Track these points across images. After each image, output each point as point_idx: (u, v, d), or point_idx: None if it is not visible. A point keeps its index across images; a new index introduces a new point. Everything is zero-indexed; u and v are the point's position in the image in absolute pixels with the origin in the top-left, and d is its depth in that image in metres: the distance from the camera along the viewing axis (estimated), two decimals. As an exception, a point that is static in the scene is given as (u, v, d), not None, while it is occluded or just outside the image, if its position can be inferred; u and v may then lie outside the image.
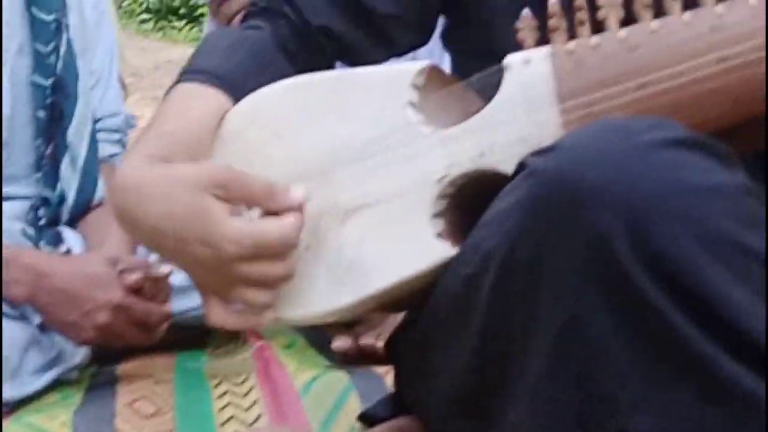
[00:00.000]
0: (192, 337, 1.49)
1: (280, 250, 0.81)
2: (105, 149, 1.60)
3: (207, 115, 0.88)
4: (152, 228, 0.81)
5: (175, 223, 0.80)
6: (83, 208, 1.52)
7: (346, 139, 0.85)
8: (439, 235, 0.81)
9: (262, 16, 0.99)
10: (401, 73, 0.84)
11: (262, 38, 0.97)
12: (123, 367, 1.47)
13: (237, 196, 0.81)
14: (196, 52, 0.96)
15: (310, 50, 0.99)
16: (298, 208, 0.81)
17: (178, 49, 6.20)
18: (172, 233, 0.80)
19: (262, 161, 0.87)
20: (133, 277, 1.32)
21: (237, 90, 0.90)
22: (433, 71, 0.85)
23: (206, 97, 0.90)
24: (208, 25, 2.15)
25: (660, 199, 0.66)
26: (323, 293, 0.84)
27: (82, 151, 1.52)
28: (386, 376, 1.36)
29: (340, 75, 0.88)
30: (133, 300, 1.31)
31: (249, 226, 0.80)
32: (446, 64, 1.11)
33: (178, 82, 0.92)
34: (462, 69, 1.07)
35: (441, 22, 1.09)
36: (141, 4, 8.27)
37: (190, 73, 0.92)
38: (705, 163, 0.67)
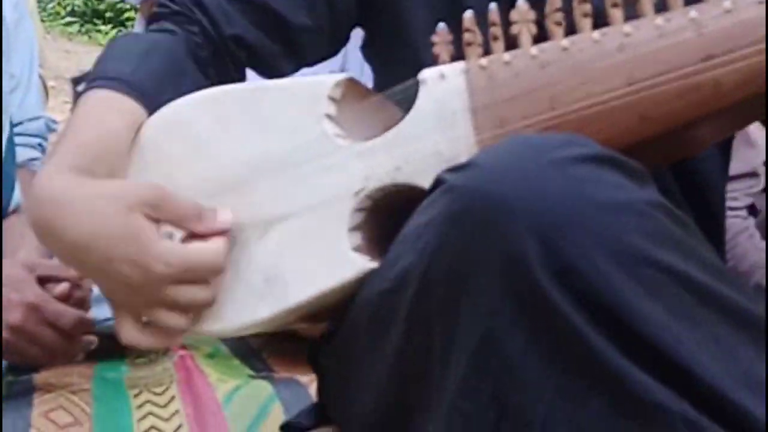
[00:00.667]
0: (111, 346, 1.46)
1: (207, 275, 0.81)
2: (23, 154, 1.57)
3: (124, 128, 0.87)
4: (74, 243, 0.80)
5: (102, 241, 0.79)
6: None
7: (264, 152, 0.85)
8: (357, 248, 0.82)
9: (174, 20, 0.99)
10: (318, 85, 0.85)
11: (175, 45, 0.96)
12: (40, 377, 1.44)
13: (167, 216, 0.81)
14: (107, 55, 0.94)
15: (222, 58, 0.98)
16: (225, 232, 0.82)
17: (103, 52, 6.12)
18: (98, 251, 0.79)
19: (179, 173, 0.86)
20: (62, 287, 1.29)
21: (152, 100, 0.89)
22: (351, 84, 0.86)
23: (122, 108, 0.88)
24: (137, 26, 2.13)
25: (572, 215, 0.67)
26: (242, 306, 0.83)
27: (-1, 157, 1.49)
28: (310, 385, 1.36)
29: (257, 86, 0.88)
30: (47, 298, 1.29)
31: (180, 248, 0.80)
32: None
33: (90, 86, 0.90)
34: (383, 80, 1.08)
35: (361, 34, 1.10)
36: (66, 6, 8.15)
37: (103, 78, 0.90)
38: (617, 179, 0.68)
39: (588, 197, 0.67)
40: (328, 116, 0.84)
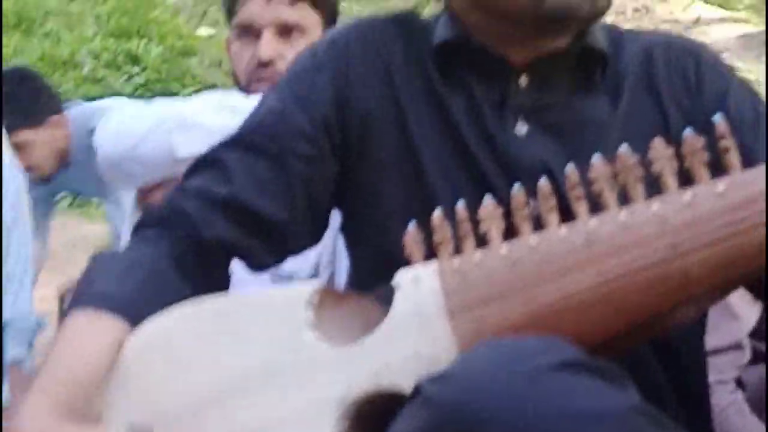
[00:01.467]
0: None
1: None
2: (14, 352, 1.56)
3: (106, 348, 0.88)
4: None
5: None
6: (-13, 414, 1.47)
7: (244, 366, 0.84)
8: (342, 457, 0.81)
9: (157, 228, 1.00)
10: (295, 294, 0.85)
11: (157, 257, 0.96)
12: None
13: None
14: (90, 274, 0.95)
15: (205, 261, 0.99)
16: None
17: (94, 226, 6.17)
18: None
19: (161, 391, 0.86)
20: None
21: (135, 316, 0.89)
22: (327, 290, 0.86)
23: (105, 328, 0.89)
24: (131, 213, 2.15)
25: (548, 427, 0.67)
26: None
27: (-11, 356, 1.49)
28: None
29: (235, 300, 0.89)
30: None
31: None
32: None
33: (75, 306, 0.91)
34: (358, 263, 1.09)
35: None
36: (57, 181, 8.26)
37: (86, 299, 0.91)
38: (594, 385, 0.69)
39: (564, 408, 0.68)
40: (307, 324, 0.84)
